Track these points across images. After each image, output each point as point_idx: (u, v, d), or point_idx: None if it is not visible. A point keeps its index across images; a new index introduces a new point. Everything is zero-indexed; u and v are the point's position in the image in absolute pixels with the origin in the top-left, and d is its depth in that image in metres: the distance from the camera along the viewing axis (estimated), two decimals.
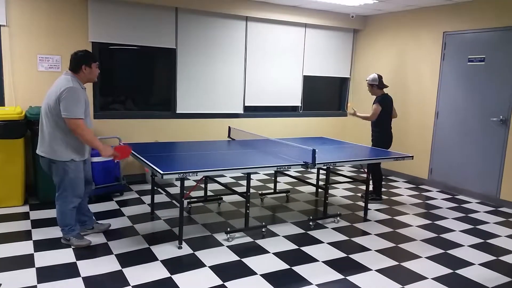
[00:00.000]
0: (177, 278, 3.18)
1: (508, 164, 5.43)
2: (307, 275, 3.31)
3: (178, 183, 5.77)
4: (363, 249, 3.90)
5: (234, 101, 6.62)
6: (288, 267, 3.45)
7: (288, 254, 3.71)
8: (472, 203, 5.62)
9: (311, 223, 4.43)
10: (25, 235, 3.87)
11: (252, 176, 5.29)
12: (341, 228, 4.41)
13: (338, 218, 4.65)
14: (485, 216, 5.05)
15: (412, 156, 4.88)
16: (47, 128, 3.47)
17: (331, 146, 5.23)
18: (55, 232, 3.88)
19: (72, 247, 3.63)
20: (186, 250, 3.69)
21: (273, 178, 5.64)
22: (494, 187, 5.59)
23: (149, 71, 6.22)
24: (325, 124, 7.55)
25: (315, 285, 3.17)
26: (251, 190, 5.16)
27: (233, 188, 4.56)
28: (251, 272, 3.33)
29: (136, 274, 3.22)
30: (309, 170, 5.25)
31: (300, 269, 3.41)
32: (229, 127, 5.60)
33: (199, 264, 3.43)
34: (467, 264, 3.68)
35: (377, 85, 5.40)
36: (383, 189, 5.99)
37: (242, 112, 6.71)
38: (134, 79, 6.06)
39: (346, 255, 3.74)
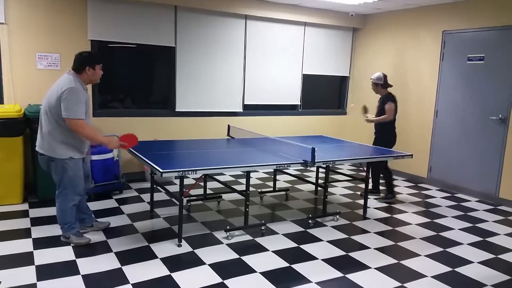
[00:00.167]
0: (176, 276, 3.19)
1: (507, 162, 5.44)
2: (307, 273, 3.31)
3: (177, 181, 5.77)
4: (363, 247, 3.91)
5: (234, 100, 6.61)
6: (288, 265, 3.46)
7: (288, 252, 3.71)
8: (471, 201, 5.63)
9: (310, 221, 4.44)
10: (24, 233, 3.87)
11: (251, 174, 5.29)
12: (340, 226, 4.42)
13: (337, 216, 4.65)
14: (484, 215, 5.06)
15: (412, 155, 4.88)
16: (46, 126, 3.47)
17: (331, 144, 5.23)
18: (54, 230, 3.88)
19: (72, 245, 3.63)
20: (185, 248, 3.69)
21: (273, 176, 5.64)
22: (493, 186, 5.60)
23: (148, 69, 6.21)
24: (324, 123, 7.55)
25: (315, 283, 3.17)
26: (251, 188, 5.15)
27: (233, 186, 4.55)
28: (251, 270, 3.33)
29: (135, 272, 3.22)
30: (308, 168, 5.26)
31: (299, 267, 3.42)
32: (228, 125, 5.60)
33: (198, 262, 3.44)
34: (466, 262, 3.68)
35: (381, 84, 5.38)
36: (382, 187, 6.01)
37: (241, 110, 6.70)
38: (133, 77, 6.06)
39: (345, 253, 3.75)
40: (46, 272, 3.15)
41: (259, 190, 5.48)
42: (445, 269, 3.52)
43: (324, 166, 4.38)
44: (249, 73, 6.67)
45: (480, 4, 5.63)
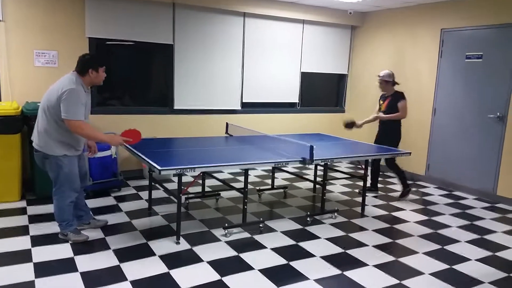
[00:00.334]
0: (175, 273, 3.19)
1: (504, 160, 5.46)
2: (305, 270, 3.32)
3: (175, 179, 5.77)
4: (360, 244, 3.91)
5: (232, 97, 6.61)
6: (286, 262, 3.46)
7: (286, 249, 3.72)
8: (469, 199, 5.64)
9: (308, 219, 4.44)
10: (22, 230, 3.86)
11: (249, 172, 5.28)
12: (338, 224, 4.42)
13: (335, 213, 4.66)
14: (482, 212, 5.08)
15: (410, 153, 4.90)
16: (42, 124, 3.47)
17: (329, 142, 5.24)
18: (52, 227, 3.87)
19: (70, 242, 3.63)
20: (184, 245, 3.69)
21: (271, 174, 5.64)
22: (491, 183, 5.61)
23: (147, 67, 6.20)
24: (322, 121, 7.55)
25: (313, 280, 3.18)
26: (249, 186, 5.14)
27: (231, 184, 4.56)
28: (249, 267, 3.34)
29: (133, 269, 3.22)
30: (306, 166, 5.26)
31: (297, 264, 3.42)
32: (226, 123, 5.59)
33: (197, 259, 3.44)
34: (463, 259, 3.69)
35: (392, 82, 5.36)
36: (380, 185, 6.02)
37: (239, 108, 6.70)
38: (132, 75, 6.04)
39: (343, 250, 3.76)
40: (44, 269, 3.15)
41: (257, 188, 5.48)
42: (442, 266, 3.53)
43: (322, 163, 4.38)
44: (247, 71, 6.66)
45: (479, 2, 5.63)
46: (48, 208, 4.35)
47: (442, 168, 6.23)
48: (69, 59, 5.27)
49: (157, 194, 5.07)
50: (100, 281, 3.03)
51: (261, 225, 4.16)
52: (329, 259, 3.56)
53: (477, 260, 3.70)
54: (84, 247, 3.57)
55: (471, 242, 4.11)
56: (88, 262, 3.29)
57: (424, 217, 4.78)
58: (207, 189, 5.35)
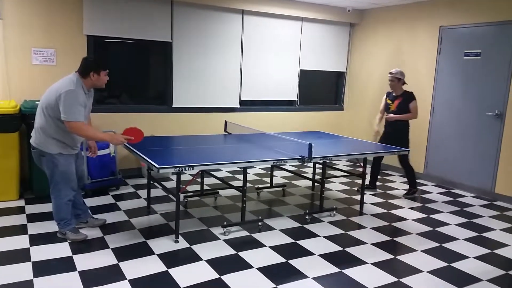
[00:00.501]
0: (173, 272, 3.19)
1: (503, 158, 5.46)
2: (303, 269, 3.32)
3: (174, 177, 5.77)
4: (359, 242, 3.92)
5: (231, 95, 6.60)
6: (284, 260, 3.46)
7: (284, 247, 3.72)
8: (467, 197, 5.65)
9: (307, 217, 4.45)
10: (20, 229, 3.86)
11: (248, 170, 5.28)
12: (337, 222, 4.43)
13: (334, 212, 4.66)
14: (480, 210, 5.09)
15: (408, 150, 4.90)
16: (39, 122, 3.48)
17: (327, 140, 5.24)
18: (50, 226, 3.86)
19: (68, 241, 3.62)
20: (182, 244, 3.69)
21: (270, 172, 5.64)
22: (489, 181, 5.62)
23: (145, 64, 6.19)
24: (321, 118, 7.55)
25: (311, 278, 3.18)
26: (248, 184, 5.15)
27: (230, 182, 4.56)
28: (248, 266, 3.34)
29: (132, 268, 3.22)
30: (305, 164, 5.26)
31: (296, 263, 3.42)
32: (225, 121, 5.59)
33: (195, 258, 3.44)
34: (462, 257, 3.70)
35: (402, 80, 5.32)
36: (379, 183, 6.03)
37: (238, 106, 6.69)
38: (130, 73, 6.03)
39: (342, 248, 3.76)
40: (43, 268, 3.15)
41: (256, 186, 5.48)
42: (441, 264, 3.54)
43: (321, 161, 4.39)
44: (246, 68, 6.65)
45: None
46: (46, 207, 4.34)
47: (441, 166, 6.24)
48: (67, 57, 5.27)
49: (155, 193, 5.07)
50: (99, 280, 3.02)
51: (260, 224, 4.16)
52: (327, 257, 3.56)
53: (475, 258, 3.71)
54: (82, 246, 3.57)
55: (469, 239, 4.12)
56: (86, 261, 3.29)
57: (423, 215, 4.79)
58: (205, 187, 5.35)
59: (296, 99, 7.27)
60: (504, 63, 5.38)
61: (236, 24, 6.44)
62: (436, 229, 4.37)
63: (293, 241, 3.87)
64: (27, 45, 5.06)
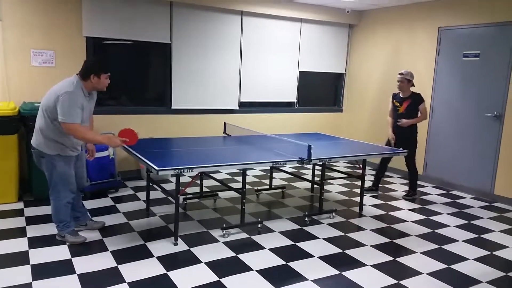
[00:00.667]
0: (173, 274, 3.18)
1: (502, 159, 5.46)
2: (303, 271, 3.32)
3: (173, 179, 5.75)
4: (359, 244, 3.92)
5: (230, 97, 6.59)
6: (284, 262, 3.46)
7: (284, 249, 3.72)
8: (467, 198, 5.65)
9: (306, 219, 4.44)
10: (19, 232, 3.85)
11: (247, 172, 5.26)
12: (336, 224, 4.42)
13: (333, 213, 4.66)
14: (480, 211, 5.09)
15: (407, 151, 4.90)
16: (39, 122, 3.49)
17: (327, 142, 5.24)
18: (49, 228, 3.86)
19: (67, 243, 3.62)
20: (182, 246, 3.69)
21: (269, 174, 5.63)
22: (488, 182, 5.62)
23: (144, 66, 6.19)
24: (320, 120, 7.55)
25: (311, 280, 3.18)
26: (247, 186, 5.15)
27: (229, 184, 4.55)
28: (247, 268, 3.33)
29: (131, 270, 3.21)
30: (304, 166, 5.25)
31: (295, 265, 3.42)
32: (224, 123, 5.58)
33: (195, 260, 3.43)
34: (461, 259, 3.70)
35: (412, 82, 5.28)
36: (379, 185, 6.02)
37: (237, 108, 6.69)
38: (129, 74, 6.03)
39: (341, 250, 3.76)
40: (42, 271, 3.14)
41: (256, 188, 5.48)
42: (440, 266, 3.54)
43: (320, 163, 4.38)
44: (245, 70, 6.65)
45: (476, 0, 5.63)
46: (46, 210, 4.33)
47: (440, 167, 6.24)
48: (66, 58, 5.26)
49: (155, 195, 5.07)
50: (98, 283, 3.02)
51: (259, 226, 4.16)
52: (327, 259, 3.56)
53: (474, 259, 3.71)
54: (81, 248, 3.56)
55: (468, 241, 4.12)
56: (85, 264, 3.28)
57: (422, 217, 4.79)
58: (205, 189, 5.34)
59: (295, 100, 7.27)
60: (503, 64, 5.39)
61: (235, 25, 6.44)
62: (436, 230, 4.37)
63: (293, 243, 3.87)
64: (26, 47, 5.05)
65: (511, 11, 5.27)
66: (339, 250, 3.76)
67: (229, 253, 3.59)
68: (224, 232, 3.97)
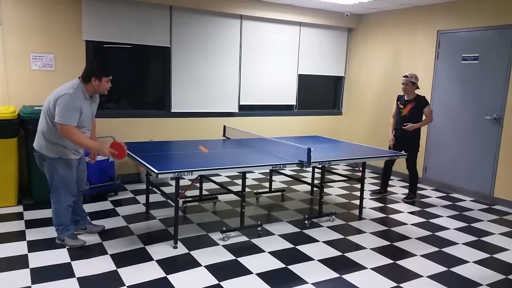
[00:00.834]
0: (172, 278, 3.18)
1: (501, 162, 5.47)
2: (303, 274, 3.31)
3: (173, 183, 5.74)
4: (358, 247, 3.91)
5: (229, 100, 6.60)
6: (284, 266, 3.45)
7: (284, 253, 3.71)
8: (466, 201, 5.65)
9: (306, 222, 4.44)
10: (19, 236, 3.84)
11: (247, 175, 5.26)
12: (336, 227, 4.42)
13: (333, 216, 4.65)
14: (479, 214, 5.09)
15: (407, 155, 4.90)
16: (41, 125, 3.50)
17: (326, 144, 5.24)
18: (49, 232, 3.85)
19: (67, 247, 3.61)
20: (181, 249, 3.68)
21: (269, 177, 5.63)
22: (488, 185, 5.62)
23: (144, 69, 6.20)
24: (320, 123, 7.56)
25: (311, 283, 3.17)
26: (247, 189, 5.13)
27: (229, 187, 4.55)
28: (247, 272, 3.33)
29: (131, 274, 3.20)
30: (304, 169, 5.26)
31: (295, 268, 3.42)
32: (224, 126, 5.59)
33: (194, 263, 3.43)
34: (461, 262, 3.70)
35: (416, 84, 5.27)
36: (377, 187, 6.03)
37: (237, 111, 6.70)
38: (129, 78, 6.03)
39: (341, 253, 3.75)
40: (41, 275, 3.13)
41: (255, 191, 5.47)
42: (440, 269, 3.53)
43: (320, 166, 4.38)
44: (244, 73, 6.66)
45: (475, 4, 5.65)
46: (45, 213, 4.33)
47: (439, 170, 6.24)
48: (66, 62, 5.27)
49: (154, 198, 5.06)
50: (97, 286, 3.01)
51: (259, 229, 4.15)
52: (327, 262, 3.55)
53: (475, 262, 3.70)
54: (81, 252, 3.55)
55: (468, 244, 4.12)
56: (85, 267, 3.28)
57: (422, 219, 4.79)
58: (204, 192, 5.34)
59: (295, 103, 7.28)
60: (502, 67, 5.40)
61: (235, 29, 6.46)
62: (436, 233, 4.37)
63: (292, 246, 3.87)
64: (26, 51, 5.06)
65: (510, 15, 5.29)
66: (339, 253, 3.75)
67: (228, 256, 3.58)
68: (224, 235, 3.96)
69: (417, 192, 5.77)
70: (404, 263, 3.61)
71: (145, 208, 4.64)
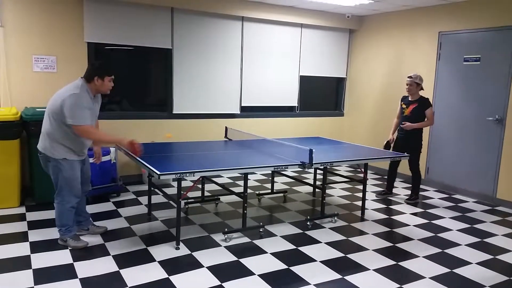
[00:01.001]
0: (174, 279, 3.17)
1: (504, 163, 5.46)
2: (305, 275, 3.31)
3: (175, 184, 5.76)
4: (361, 248, 3.90)
5: (231, 101, 6.61)
6: (286, 267, 3.45)
7: (286, 254, 3.71)
8: (469, 202, 5.63)
9: (308, 223, 4.43)
10: (21, 237, 3.85)
11: (249, 176, 5.27)
12: (338, 228, 4.41)
13: (335, 218, 4.65)
14: (482, 215, 5.07)
15: (409, 156, 4.89)
16: (46, 126, 3.51)
17: (328, 146, 5.23)
18: (51, 233, 3.86)
19: (69, 248, 3.61)
20: (183, 250, 3.68)
21: (270, 178, 5.63)
22: (491, 186, 5.61)
23: (145, 71, 6.21)
24: (321, 124, 7.55)
25: (313, 285, 3.17)
26: (248, 190, 5.14)
27: (231, 189, 4.55)
28: (249, 273, 3.32)
29: (133, 275, 3.20)
30: (306, 170, 5.25)
31: (297, 269, 3.41)
32: (226, 127, 5.59)
33: (196, 264, 3.43)
34: (464, 263, 3.69)
35: (421, 85, 5.27)
36: (380, 189, 6.02)
37: (239, 112, 6.70)
38: (130, 79, 6.04)
39: (343, 254, 3.75)
40: (44, 276, 3.14)
41: (257, 192, 5.47)
42: (443, 270, 3.52)
43: (322, 167, 4.38)
44: (246, 74, 6.67)
45: (476, 5, 5.65)
46: (47, 214, 4.34)
47: (442, 171, 6.23)
48: (68, 64, 5.28)
49: (156, 199, 5.06)
50: (100, 287, 3.02)
51: (261, 230, 4.15)
52: (329, 263, 3.55)
53: (477, 263, 3.69)
54: (83, 253, 3.56)
55: (471, 245, 4.11)
56: (87, 268, 3.28)
57: (424, 221, 4.78)
58: (206, 193, 5.34)
59: (297, 105, 7.28)
60: (504, 68, 5.40)
61: (236, 30, 6.47)
62: (438, 234, 4.35)
63: (295, 247, 3.86)
64: (28, 52, 5.08)
65: (511, 16, 5.28)
66: (341, 254, 3.75)
67: (230, 258, 3.58)
68: (226, 236, 3.96)
69: (420, 193, 5.76)
70: (406, 264, 3.61)
71: (147, 209, 4.64)
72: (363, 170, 4.86)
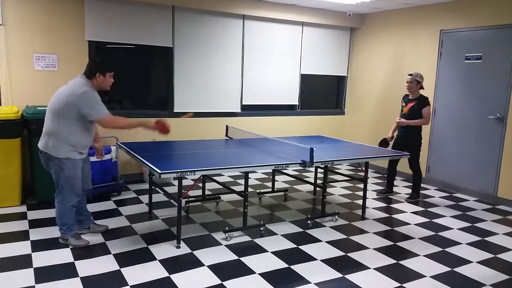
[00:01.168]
0: (175, 277, 3.18)
1: (505, 161, 5.45)
2: (306, 274, 3.31)
3: (176, 182, 5.76)
4: (361, 247, 3.90)
5: (232, 100, 6.61)
6: (287, 266, 3.45)
7: (287, 253, 3.71)
8: (470, 201, 5.63)
9: (309, 222, 4.43)
10: (22, 235, 3.85)
11: (250, 175, 5.26)
12: (339, 227, 4.41)
13: (336, 216, 4.65)
14: (483, 214, 5.07)
15: (410, 154, 4.89)
16: (48, 125, 3.50)
17: (329, 144, 5.23)
18: (52, 232, 3.86)
19: (70, 247, 3.62)
20: (184, 249, 3.69)
21: (271, 177, 5.63)
22: (492, 185, 5.61)
23: (146, 70, 6.20)
24: (322, 123, 7.55)
25: (314, 283, 3.17)
26: (249, 189, 5.13)
27: (231, 187, 4.55)
28: (250, 271, 3.33)
29: (134, 273, 3.21)
30: (307, 168, 5.26)
31: (298, 268, 3.41)
32: (226, 126, 5.59)
33: (197, 263, 3.43)
34: (465, 262, 3.68)
35: (421, 84, 5.26)
36: (380, 187, 6.02)
37: (239, 111, 6.70)
38: (131, 78, 6.04)
39: (344, 253, 3.75)
40: (45, 274, 3.14)
41: (258, 191, 5.47)
42: (444, 269, 3.52)
43: (323, 166, 4.38)
44: (247, 73, 6.66)
45: (478, 3, 5.64)
46: (48, 213, 4.34)
47: (442, 170, 6.22)
48: (69, 62, 5.28)
49: (157, 198, 5.07)
50: (101, 286, 3.02)
51: (261, 229, 4.15)
52: (330, 262, 3.55)
53: (478, 262, 3.69)
54: (84, 251, 3.56)
55: (472, 244, 4.11)
56: (88, 267, 3.29)
57: (425, 219, 4.78)
58: (207, 192, 5.34)
59: (297, 103, 7.28)
60: (505, 66, 5.38)
61: (237, 29, 6.46)
62: (439, 233, 4.35)
63: (295, 246, 3.86)
64: (29, 51, 5.08)
65: None
66: (342, 253, 3.75)
67: (231, 256, 3.59)
68: (227, 235, 3.97)
69: (421, 192, 5.76)
70: (407, 263, 3.61)
71: (148, 208, 4.65)
72: (364, 168, 4.85)
